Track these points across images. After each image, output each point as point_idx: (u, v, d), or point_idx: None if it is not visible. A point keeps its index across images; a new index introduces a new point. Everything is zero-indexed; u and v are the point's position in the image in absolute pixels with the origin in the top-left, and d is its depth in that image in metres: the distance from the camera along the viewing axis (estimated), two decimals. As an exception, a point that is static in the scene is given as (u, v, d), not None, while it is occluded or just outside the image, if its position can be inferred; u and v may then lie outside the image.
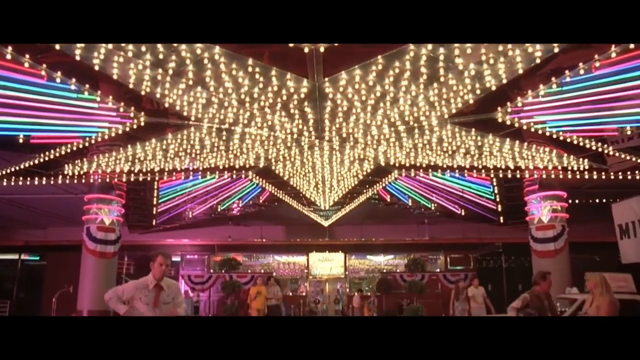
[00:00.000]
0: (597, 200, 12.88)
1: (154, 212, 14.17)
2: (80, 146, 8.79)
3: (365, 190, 12.24)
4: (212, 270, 16.68)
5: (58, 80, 6.34)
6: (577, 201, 12.75)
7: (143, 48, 5.71)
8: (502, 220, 14.31)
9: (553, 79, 6.59)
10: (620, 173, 10.29)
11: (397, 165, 10.23)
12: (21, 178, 10.17)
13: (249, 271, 16.79)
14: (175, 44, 5.60)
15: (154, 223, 14.59)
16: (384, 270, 17.25)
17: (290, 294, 16.26)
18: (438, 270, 16.88)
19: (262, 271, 16.57)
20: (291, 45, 5.22)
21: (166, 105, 7.53)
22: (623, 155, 9.49)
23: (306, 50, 5.53)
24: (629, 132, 8.48)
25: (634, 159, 9.49)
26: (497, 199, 13.59)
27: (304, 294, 16.55)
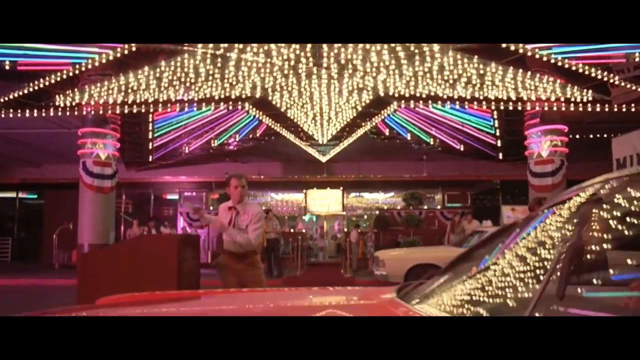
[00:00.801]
0: (598, 135, 12.76)
1: (150, 147, 14.02)
2: (70, 74, 8.51)
3: (364, 123, 12.04)
4: (211, 208, 16.75)
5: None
6: (577, 136, 12.64)
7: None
8: (501, 157, 14.25)
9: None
10: (623, 106, 10.10)
11: (396, 95, 9.99)
12: (11, 110, 9.93)
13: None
14: None
15: (150, 159, 14.48)
16: (382, 208, 17.40)
17: (288, 230, 16.45)
18: (437, 207, 17.04)
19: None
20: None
21: (157, 27, 7.20)
22: (628, 85, 9.27)
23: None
24: (637, 59, 8.24)
25: (639, 89, 9.29)
26: (497, 134, 13.45)
27: (302, 230, 16.74)
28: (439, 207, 16.96)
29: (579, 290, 0.97)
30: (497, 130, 13.28)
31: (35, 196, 18.45)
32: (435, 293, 1.37)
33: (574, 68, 8.43)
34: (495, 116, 12.66)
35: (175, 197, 17.22)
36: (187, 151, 14.87)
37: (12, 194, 18.06)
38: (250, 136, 13.97)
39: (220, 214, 4.07)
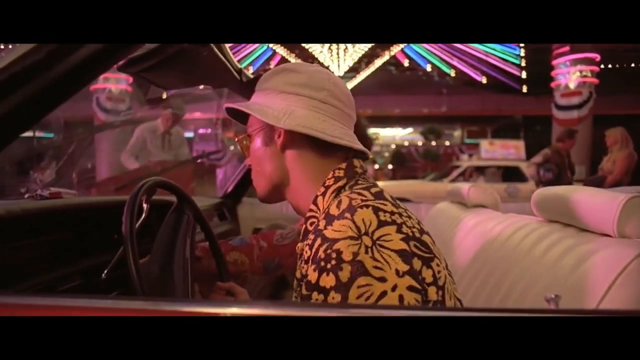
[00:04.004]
0: (633, 65, 12.06)
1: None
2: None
3: (381, 53, 11.52)
4: (231, 148, 16.64)
5: None
6: (609, 66, 11.96)
7: None
8: (525, 89, 13.66)
9: None
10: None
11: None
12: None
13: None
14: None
15: (164, 96, 14.24)
16: (400, 144, 17.13)
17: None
18: (456, 142, 16.71)
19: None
20: None
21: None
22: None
23: None
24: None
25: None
26: (523, 64, 12.79)
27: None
28: (457, 143, 16.61)
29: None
30: (523, 60, 12.62)
31: (52, 135, 18.54)
32: None
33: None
34: (523, 44, 11.99)
35: (191, 134, 17.14)
36: (201, 87, 14.56)
37: (29, 133, 18.17)
38: (264, 68, 13.56)
39: None
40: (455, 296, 0.80)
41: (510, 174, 8.43)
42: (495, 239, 1.29)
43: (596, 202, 0.94)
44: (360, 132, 1.62)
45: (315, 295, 0.72)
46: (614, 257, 0.82)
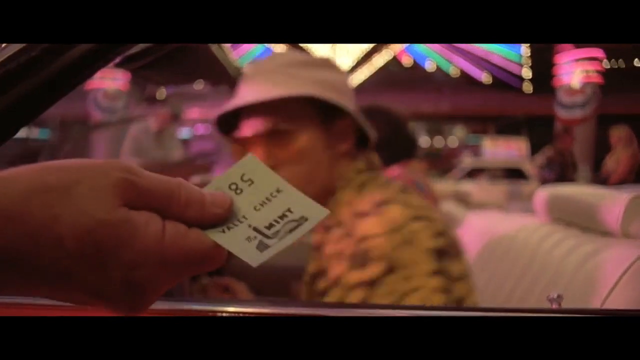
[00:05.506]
0: (637, 64, 12.02)
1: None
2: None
3: (382, 52, 11.52)
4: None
5: None
6: (614, 64, 11.95)
7: None
8: (528, 89, 13.66)
9: None
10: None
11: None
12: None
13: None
14: None
15: (164, 95, 14.26)
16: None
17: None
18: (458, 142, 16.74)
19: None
20: None
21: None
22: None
23: None
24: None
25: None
26: (526, 63, 12.78)
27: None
28: (459, 143, 16.62)
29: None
30: (526, 59, 12.62)
31: (46, 135, 18.51)
32: None
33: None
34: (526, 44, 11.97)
35: (189, 133, 17.06)
36: (201, 87, 14.56)
37: (24, 134, 18.15)
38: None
39: None
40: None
41: (513, 174, 8.41)
42: (499, 238, 1.28)
43: (599, 202, 0.94)
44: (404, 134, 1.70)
45: (337, 291, 0.70)
46: (617, 257, 0.81)
